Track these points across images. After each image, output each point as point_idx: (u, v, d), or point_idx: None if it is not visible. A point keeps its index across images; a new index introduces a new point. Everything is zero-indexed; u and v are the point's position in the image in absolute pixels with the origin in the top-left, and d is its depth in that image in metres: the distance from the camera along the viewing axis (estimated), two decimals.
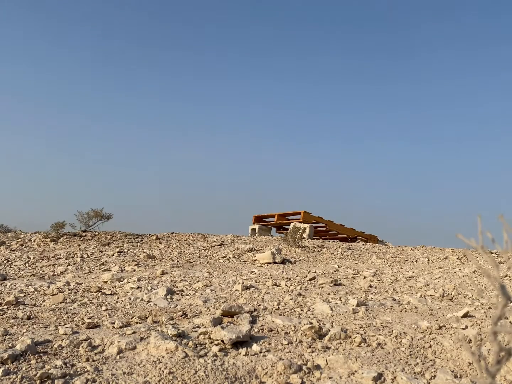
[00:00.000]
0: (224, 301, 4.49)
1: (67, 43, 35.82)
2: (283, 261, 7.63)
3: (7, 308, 4.13)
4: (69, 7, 34.03)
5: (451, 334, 3.36)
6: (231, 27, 37.43)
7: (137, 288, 5.27)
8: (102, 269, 6.95)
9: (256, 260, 7.79)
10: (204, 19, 36.61)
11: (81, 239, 10.26)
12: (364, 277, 6.18)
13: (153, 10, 36.04)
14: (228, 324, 3.40)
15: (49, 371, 2.42)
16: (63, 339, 3.01)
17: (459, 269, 6.99)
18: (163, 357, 2.71)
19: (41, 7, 33.81)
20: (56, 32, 34.98)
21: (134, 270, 6.85)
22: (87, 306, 4.28)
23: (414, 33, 36.14)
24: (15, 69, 34.25)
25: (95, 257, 8.11)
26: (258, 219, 15.22)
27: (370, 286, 5.51)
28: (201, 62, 37.69)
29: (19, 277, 6.29)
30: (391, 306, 4.36)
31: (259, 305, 4.31)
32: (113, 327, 3.42)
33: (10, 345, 2.89)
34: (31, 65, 35.17)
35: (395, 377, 2.57)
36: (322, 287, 5.38)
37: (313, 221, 13.82)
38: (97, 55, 36.85)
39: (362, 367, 2.70)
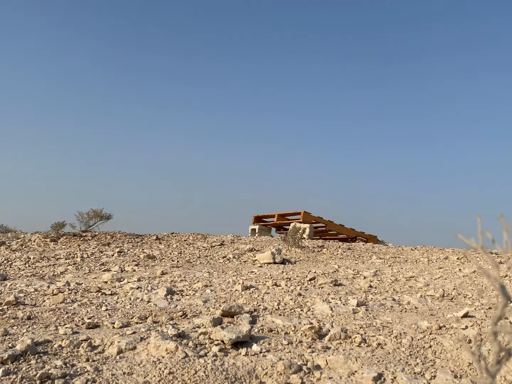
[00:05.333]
0: (224, 301, 4.49)
1: (69, 47, 35.88)
2: (283, 261, 7.63)
3: (7, 308, 4.13)
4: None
5: (451, 334, 3.36)
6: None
7: (137, 288, 5.27)
8: (102, 269, 6.95)
9: (256, 260, 7.79)
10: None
11: (81, 239, 10.26)
12: (364, 277, 6.18)
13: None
14: (228, 324, 3.40)
15: (49, 371, 2.42)
16: (63, 339, 3.01)
17: (459, 269, 6.99)
18: (163, 357, 2.71)
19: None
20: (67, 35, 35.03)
21: (134, 270, 6.85)
22: (87, 306, 4.28)
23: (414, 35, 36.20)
24: (15, 68, 34.32)
25: (95, 257, 8.11)
26: (258, 219, 15.21)
27: (370, 286, 5.50)
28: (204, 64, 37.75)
29: (19, 277, 6.29)
30: (391, 306, 4.36)
31: (259, 305, 4.31)
32: (113, 327, 3.42)
33: (10, 345, 2.89)
34: (32, 67, 35.24)
35: (395, 377, 2.57)
36: (322, 287, 5.38)
37: (313, 221, 13.81)
38: (97, 58, 36.90)
39: (362, 367, 2.71)
